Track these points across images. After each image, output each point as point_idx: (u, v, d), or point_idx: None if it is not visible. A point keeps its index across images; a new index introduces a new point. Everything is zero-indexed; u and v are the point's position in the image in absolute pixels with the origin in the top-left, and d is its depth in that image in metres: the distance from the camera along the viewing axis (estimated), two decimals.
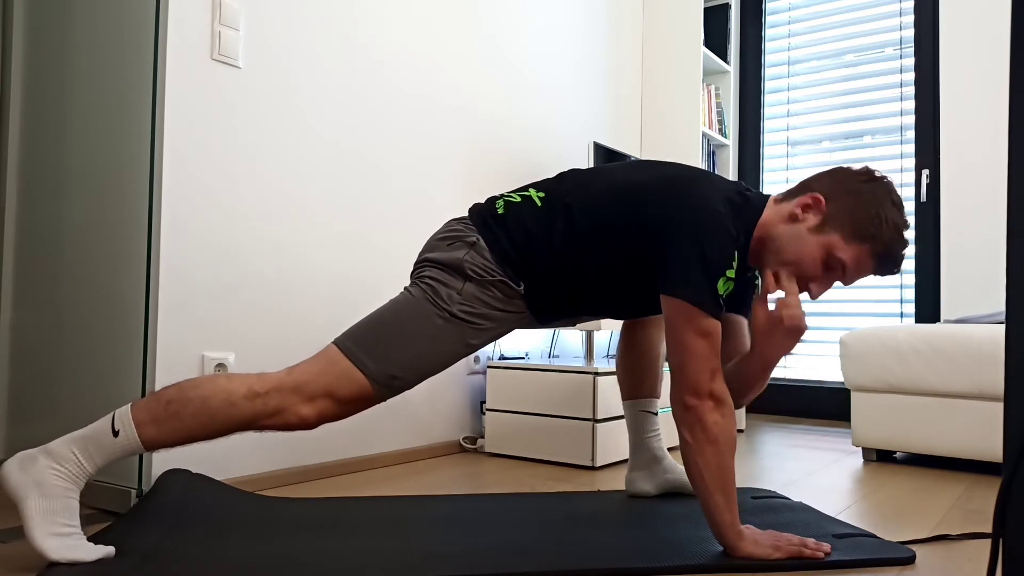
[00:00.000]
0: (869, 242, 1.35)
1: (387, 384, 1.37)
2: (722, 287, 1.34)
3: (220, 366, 1.83)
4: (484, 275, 1.42)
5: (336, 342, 1.39)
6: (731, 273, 1.35)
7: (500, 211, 1.48)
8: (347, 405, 1.36)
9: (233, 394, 1.28)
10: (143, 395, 1.72)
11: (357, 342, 1.37)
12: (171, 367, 1.74)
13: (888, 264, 1.37)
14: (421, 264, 1.48)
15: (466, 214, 1.56)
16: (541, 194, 1.50)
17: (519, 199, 1.50)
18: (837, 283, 1.45)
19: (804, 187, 1.44)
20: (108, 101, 1.83)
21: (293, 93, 2.03)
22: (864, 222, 1.34)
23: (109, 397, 1.77)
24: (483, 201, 1.58)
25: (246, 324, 1.91)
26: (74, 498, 1.23)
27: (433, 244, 1.49)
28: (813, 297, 1.41)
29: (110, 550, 1.23)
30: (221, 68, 1.85)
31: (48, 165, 1.96)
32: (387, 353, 1.37)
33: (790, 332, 1.39)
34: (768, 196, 1.49)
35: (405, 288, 1.46)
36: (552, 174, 3.01)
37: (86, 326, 1.83)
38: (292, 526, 1.50)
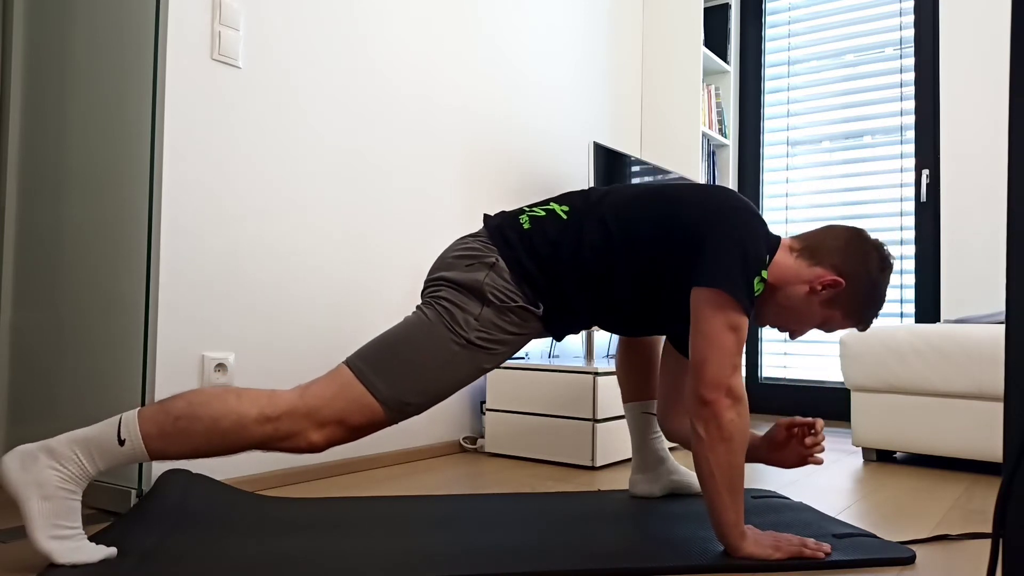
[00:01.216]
0: (860, 321, 1.50)
1: (400, 410, 1.36)
2: (756, 286, 1.37)
3: (220, 366, 1.83)
4: (505, 300, 1.40)
5: (349, 364, 1.36)
6: (765, 274, 1.40)
7: (525, 226, 1.46)
8: (357, 431, 1.35)
9: (244, 417, 1.26)
10: (143, 395, 1.72)
11: (371, 365, 1.35)
12: (171, 367, 1.74)
13: (859, 329, 1.53)
14: (436, 282, 1.44)
15: (480, 228, 1.51)
16: (565, 207, 1.48)
17: (543, 213, 1.48)
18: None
19: (823, 252, 1.47)
20: (108, 101, 1.83)
21: (293, 93, 2.03)
22: (867, 309, 1.48)
23: (109, 397, 1.77)
24: (495, 214, 1.55)
25: (246, 324, 1.91)
26: (76, 499, 1.22)
27: (449, 262, 1.45)
28: (793, 339, 1.54)
29: (112, 551, 1.23)
30: (221, 68, 1.85)
31: (48, 165, 1.96)
32: (401, 379, 1.35)
33: (801, 460, 1.53)
34: (779, 238, 1.52)
35: (418, 308, 1.43)
36: (552, 175, 3.01)
37: (86, 326, 1.83)
38: (292, 526, 1.50)
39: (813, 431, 1.50)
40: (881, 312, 1.57)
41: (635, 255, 1.42)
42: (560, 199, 1.53)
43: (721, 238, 1.36)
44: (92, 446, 1.23)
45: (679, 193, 1.45)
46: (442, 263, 1.47)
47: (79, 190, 1.88)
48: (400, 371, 1.35)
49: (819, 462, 1.51)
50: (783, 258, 1.48)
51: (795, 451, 1.51)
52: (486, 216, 1.55)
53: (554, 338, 1.53)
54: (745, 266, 1.35)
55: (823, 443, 1.51)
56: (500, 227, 1.47)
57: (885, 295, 1.49)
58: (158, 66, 1.74)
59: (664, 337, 1.83)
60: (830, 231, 1.50)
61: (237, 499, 1.66)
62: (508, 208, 2.78)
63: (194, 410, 1.26)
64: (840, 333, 3.23)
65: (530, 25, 2.93)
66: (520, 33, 2.87)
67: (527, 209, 1.51)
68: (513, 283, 1.41)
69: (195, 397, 1.28)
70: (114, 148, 1.81)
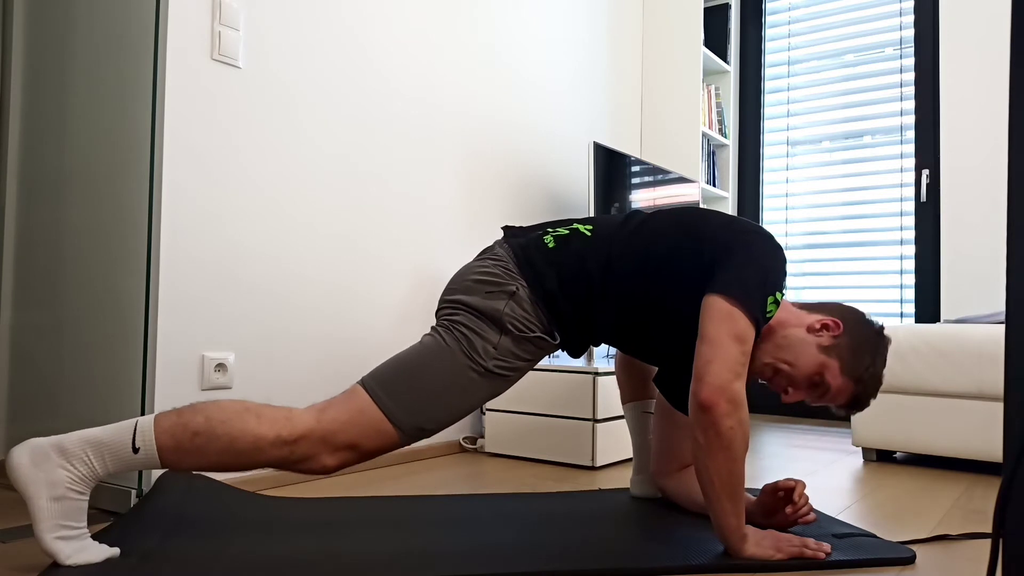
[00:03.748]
0: (856, 382, 1.44)
1: (415, 435, 1.37)
2: (770, 307, 1.38)
3: (220, 366, 1.83)
4: (523, 331, 1.41)
5: (366, 387, 1.36)
6: (780, 296, 1.41)
7: (550, 245, 1.46)
8: (370, 454, 1.36)
9: (261, 440, 1.27)
10: (143, 394, 1.72)
11: (388, 390, 1.35)
12: (171, 367, 1.74)
13: (856, 406, 1.47)
14: (454, 305, 1.44)
15: (497, 243, 1.52)
16: (589, 227, 1.50)
17: (567, 232, 1.49)
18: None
19: (822, 307, 1.51)
20: (108, 101, 1.83)
21: (293, 93, 2.03)
22: (862, 366, 1.44)
23: (109, 397, 1.77)
24: (515, 229, 1.55)
25: (246, 324, 1.91)
26: (84, 500, 1.22)
27: (468, 286, 1.44)
28: (785, 401, 1.50)
29: (115, 551, 1.24)
30: (221, 68, 1.85)
31: (48, 166, 1.96)
32: (419, 405, 1.36)
33: (793, 523, 1.51)
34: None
35: (435, 330, 1.42)
36: (552, 175, 3.01)
37: (86, 326, 1.83)
38: (292, 526, 1.50)
39: (793, 500, 1.50)
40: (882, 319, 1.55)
41: (664, 269, 1.43)
42: (582, 220, 1.55)
43: (742, 254, 1.39)
44: (105, 449, 1.22)
45: (706, 216, 1.48)
46: (461, 285, 1.46)
47: (79, 190, 1.88)
48: (418, 397, 1.36)
49: (811, 521, 1.51)
50: (784, 306, 1.50)
51: (785, 516, 1.52)
52: (506, 230, 1.54)
53: (571, 355, 1.54)
54: (762, 283, 1.36)
55: (808, 504, 1.51)
56: (524, 247, 1.47)
57: (881, 360, 1.45)
58: (158, 66, 1.74)
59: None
60: (825, 303, 1.55)
61: (237, 499, 1.66)
62: (505, 206, 2.78)
63: (213, 428, 1.25)
64: None
65: (530, 27, 2.93)
66: (520, 34, 2.87)
67: (550, 229, 1.52)
68: (532, 312, 1.42)
69: (215, 413, 1.27)
70: (114, 148, 1.81)
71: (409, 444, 1.39)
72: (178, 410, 1.28)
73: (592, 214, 2.65)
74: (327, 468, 1.32)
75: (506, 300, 1.41)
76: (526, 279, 1.43)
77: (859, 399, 1.46)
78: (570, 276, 1.43)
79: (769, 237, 1.44)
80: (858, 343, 1.45)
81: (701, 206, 3.36)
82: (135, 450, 1.23)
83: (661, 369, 1.68)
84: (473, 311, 1.41)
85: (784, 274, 1.44)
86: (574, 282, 1.43)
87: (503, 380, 1.42)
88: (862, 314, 1.50)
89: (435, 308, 2.45)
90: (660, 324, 1.47)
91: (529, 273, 1.43)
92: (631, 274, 1.44)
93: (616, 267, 1.44)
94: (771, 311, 1.39)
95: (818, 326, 1.45)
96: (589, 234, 1.48)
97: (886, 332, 1.51)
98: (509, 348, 1.40)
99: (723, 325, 1.32)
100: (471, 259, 2.61)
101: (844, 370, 1.43)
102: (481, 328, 1.40)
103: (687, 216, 1.49)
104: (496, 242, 1.54)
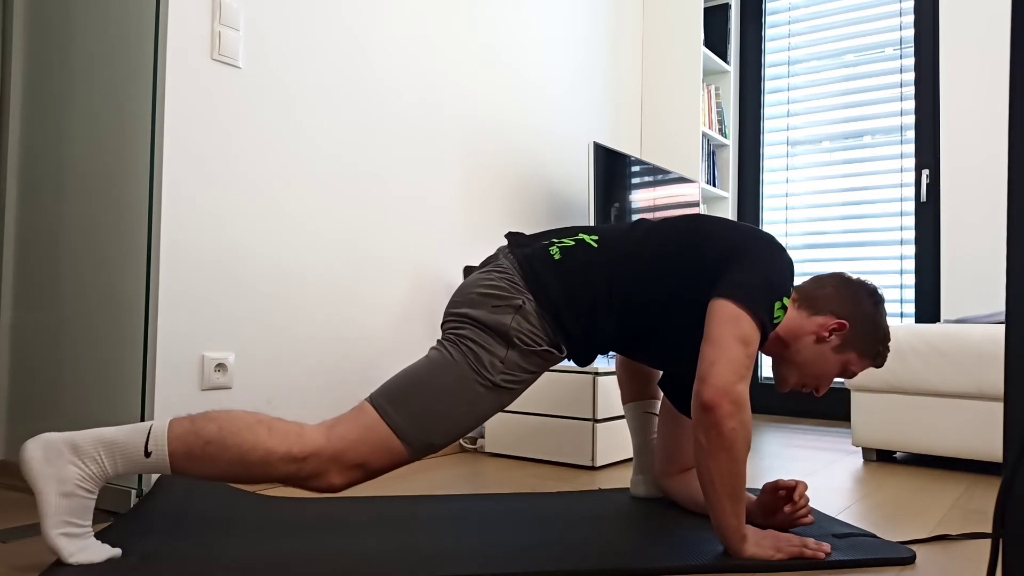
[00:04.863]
0: (875, 357, 1.54)
1: (423, 451, 1.37)
2: (777, 311, 1.38)
3: (220, 366, 1.83)
4: (530, 344, 1.40)
5: (374, 404, 1.35)
6: (787, 301, 1.41)
7: (556, 257, 1.46)
8: (378, 472, 1.36)
9: (272, 454, 1.26)
10: (143, 394, 1.72)
11: (396, 407, 1.35)
12: (171, 367, 1.74)
13: (879, 366, 1.58)
14: (460, 319, 1.43)
15: (501, 252, 1.51)
16: (595, 237, 1.50)
17: (572, 243, 1.49)
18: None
19: (820, 301, 1.52)
20: (108, 101, 1.83)
21: (293, 93, 2.03)
22: (875, 344, 1.53)
23: (109, 397, 1.77)
24: (521, 239, 1.54)
25: (246, 324, 1.91)
26: (92, 498, 1.22)
27: (474, 299, 1.43)
28: (819, 395, 1.59)
29: (117, 551, 1.24)
30: (221, 68, 1.85)
31: (48, 165, 1.96)
32: (427, 420, 1.35)
33: (792, 524, 1.52)
34: None
35: (441, 344, 1.42)
36: (552, 175, 3.01)
37: (86, 326, 1.83)
38: (292, 526, 1.50)
39: (793, 500, 1.51)
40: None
41: (669, 276, 1.44)
42: (587, 230, 1.55)
43: (747, 259, 1.39)
44: (117, 451, 1.23)
45: (711, 222, 1.49)
46: (466, 298, 1.45)
47: (79, 190, 1.88)
48: (426, 413, 1.35)
49: (810, 523, 1.52)
50: (790, 310, 1.51)
51: (785, 516, 1.52)
52: (510, 239, 1.53)
53: (579, 365, 1.54)
54: (767, 287, 1.36)
55: (807, 506, 1.52)
56: (530, 259, 1.46)
57: (887, 327, 1.53)
58: (158, 66, 1.74)
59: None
60: (817, 281, 1.56)
61: (238, 499, 1.66)
62: (505, 206, 2.78)
63: (224, 438, 1.25)
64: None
65: (530, 27, 2.93)
66: (520, 34, 2.87)
67: (555, 240, 1.51)
68: (538, 326, 1.41)
69: (228, 424, 1.27)
70: (114, 148, 1.81)
71: (418, 459, 1.38)
72: (192, 417, 1.28)
73: (592, 213, 2.65)
74: (334, 487, 1.32)
75: (512, 314, 1.40)
76: (532, 292, 1.42)
77: (880, 363, 1.56)
78: (576, 289, 1.43)
79: (774, 242, 1.45)
80: (865, 326, 1.50)
81: (703, 210, 3.37)
82: (147, 454, 1.23)
83: (666, 373, 1.68)
84: (479, 325, 1.40)
85: (791, 278, 1.44)
86: (580, 295, 1.43)
87: (510, 393, 1.42)
88: (857, 290, 1.52)
89: (435, 306, 2.47)
90: (666, 330, 1.47)
91: (535, 286, 1.42)
92: (636, 283, 1.44)
93: (621, 277, 1.44)
94: (779, 317, 1.40)
95: (827, 334, 1.49)
96: (595, 245, 1.48)
97: (875, 286, 1.56)
98: (516, 362, 1.40)
99: (728, 327, 1.33)
100: (470, 257, 2.61)
101: (862, 355, 1.52)
102: (488, 342, 1.39)
103: (691, 223, 1.49)
104: (500, 251, 1.53)
